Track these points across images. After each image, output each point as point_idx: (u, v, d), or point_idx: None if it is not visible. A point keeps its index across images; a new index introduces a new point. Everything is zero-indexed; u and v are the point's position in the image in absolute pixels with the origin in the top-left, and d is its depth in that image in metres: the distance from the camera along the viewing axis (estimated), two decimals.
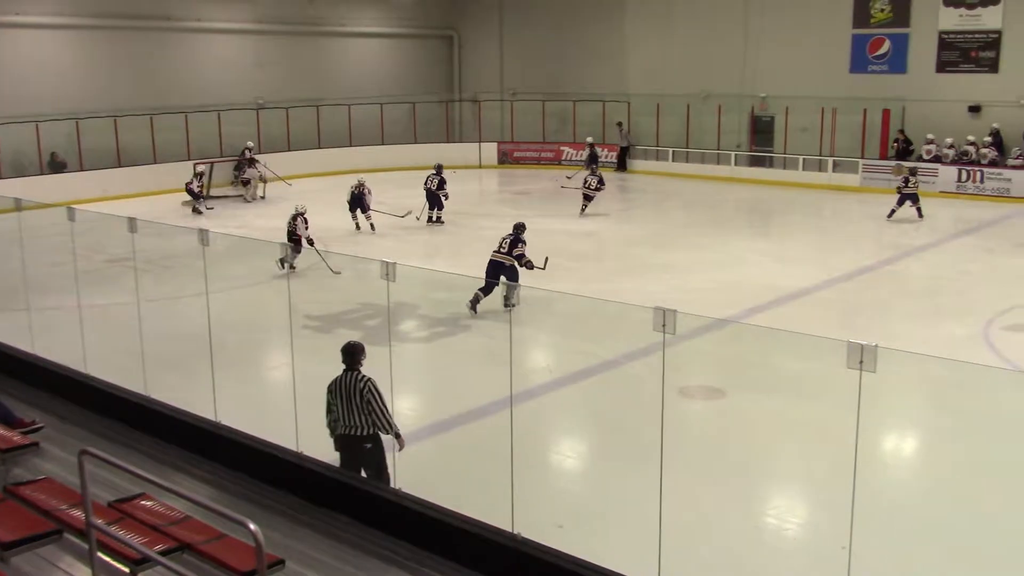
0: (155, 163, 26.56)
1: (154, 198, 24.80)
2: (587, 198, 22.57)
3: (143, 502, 6.01)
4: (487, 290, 13.48)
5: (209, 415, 7.68)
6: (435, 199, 21.69)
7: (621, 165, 30.87)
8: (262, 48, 30.87)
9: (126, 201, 23.38)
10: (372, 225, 20.68)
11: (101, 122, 25.69)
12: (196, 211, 23.36)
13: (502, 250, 14.17)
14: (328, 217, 22.67)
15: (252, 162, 25.52)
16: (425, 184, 21.75)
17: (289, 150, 29.40)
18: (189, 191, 23.87)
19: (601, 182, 22.85)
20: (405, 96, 32.75)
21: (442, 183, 21.74)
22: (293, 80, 30.94)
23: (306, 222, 16.59)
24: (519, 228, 14.61)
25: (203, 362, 8.31)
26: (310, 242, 16.21)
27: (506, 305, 13.44)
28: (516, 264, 14.03)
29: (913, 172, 22.08)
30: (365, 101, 31.70)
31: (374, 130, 31.53)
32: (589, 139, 29.33)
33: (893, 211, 21.39)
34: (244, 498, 6.71)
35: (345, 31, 33.10)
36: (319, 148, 30.26)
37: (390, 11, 33.98)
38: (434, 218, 21.61)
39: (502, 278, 13.65)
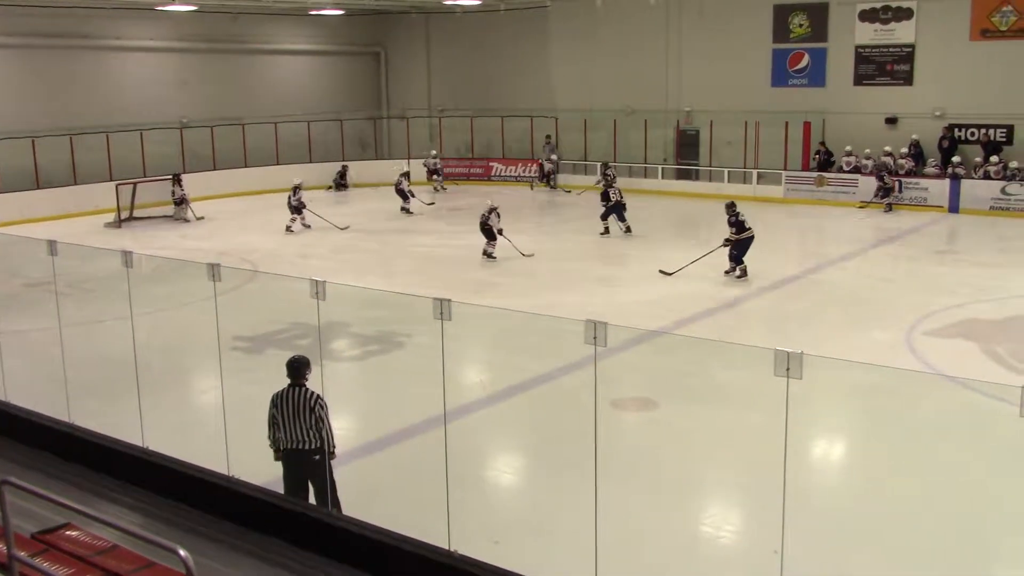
0: (75, 184, 25.98)
1: (75, 220, 24.25)
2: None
3: (68, 532, 5.85)
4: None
5: (136, 441, 7.51)
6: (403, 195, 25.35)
7: (548, 180, 31.16)
8: (185, 66, 30.43)
9: (46, 223, 22.84)
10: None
11: (18, 143, 25.03)
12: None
13: None
14: (254, 236, 22.44)
15: (179, 181, 25.08)
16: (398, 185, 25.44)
17: (215, 169, 29.00)
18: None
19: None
20: (332, 113, 32.55)
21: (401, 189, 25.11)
22: (218, 98, 30.53)
23: (499, 216, 19.19)
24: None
25: (129, 387, 8.12)
26: (500, 232, 19.05)
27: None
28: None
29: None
30: (292, 119, 31.44)
31: (301, 148, 31.27)
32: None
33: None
34: (174, 525, 6.57)
35: (270, 48, 32.81)
36: (245, 167, 29.90)
37: (316, 28, 33.78)
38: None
39: None
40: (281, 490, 7.34)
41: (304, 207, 23.18)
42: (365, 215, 25.69)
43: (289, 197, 23.33)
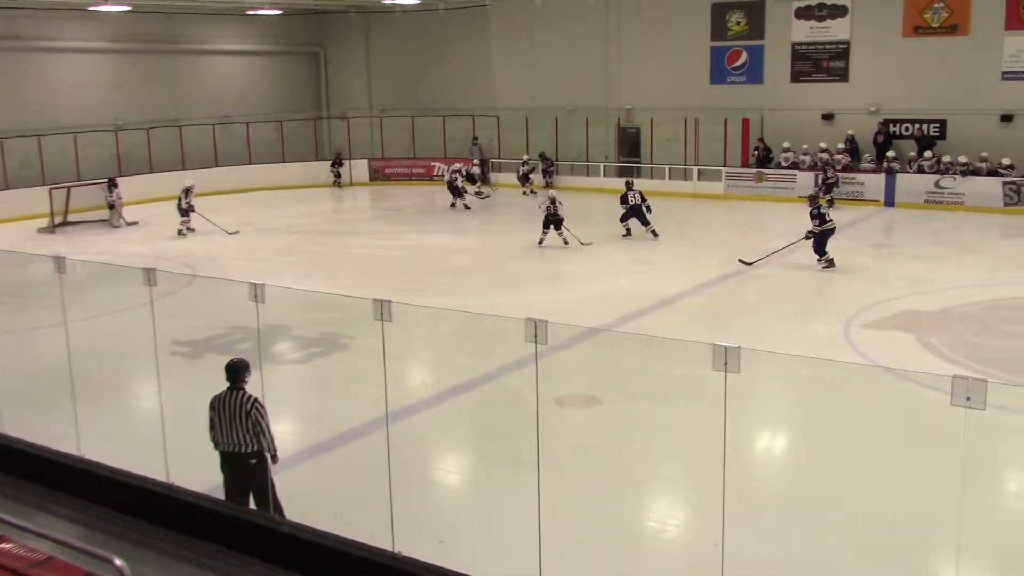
0: (7, 189, 25.40)
1: (7, 225, 23.70)
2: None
3: (2, 545, 5.71)
4: None
5: (72, 450, 7.35)
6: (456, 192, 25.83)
7: (482, 179, 31.24)
8: (120, 67, 29.90)
9: None
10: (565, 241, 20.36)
11: None
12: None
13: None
14: (192, 240, 22.12)
15: (113, 186, 24.61)
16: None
17: (152, 172, 28.53)
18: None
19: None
20: (272, 114, 32.21)
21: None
22: (154, 100, 30.05)
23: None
24: None
25: (64, 395, 7.96)
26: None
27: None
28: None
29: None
30: (230, 120, 31.05)
31: (240, 150, 30.89)
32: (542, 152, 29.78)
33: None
34: (112, 534, 6.45)
35: (207, 49, 32.36)
36: (183, 169, 29.43)
37: (253, 28, 33.40)
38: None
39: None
40: (221, 496, 7.25)
41: (193, 210, 22.91)
42: (306, 216, 25.46)
43: (180, 199, 23.00)
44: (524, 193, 28.26)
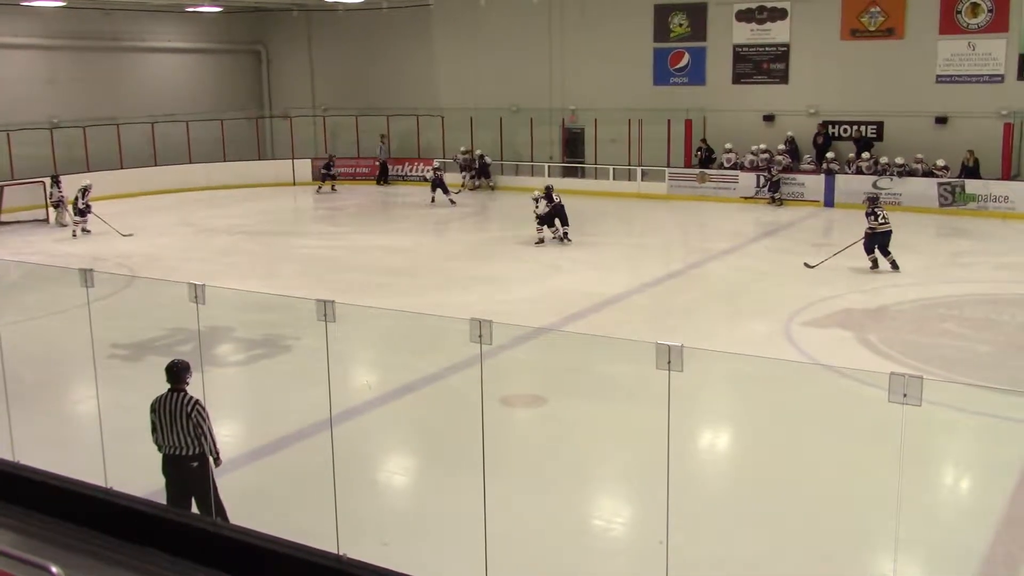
0: None
1: None
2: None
3: None
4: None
5: (6, 455, 7.18)
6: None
7: (383, 178, 31.36)
8: (55, 64, 29.27)
9: None
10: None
11: None
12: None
13: None
14: (131, 240, 21.75)
15: (57, 183, 24.07)
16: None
17: (88, 171, 27.93)
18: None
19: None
20: (212, 113, 31.77)
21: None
22: (91, 97, 29.47)
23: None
24: None
25: None
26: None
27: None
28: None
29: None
30: (170, 119, 30.56)
31: (180, 149, 30.42)
32: (478, 151, 29.60)
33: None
34: (48, 541, 6.30)
35: (145, 46, 31.82)
36: (121, 168, 28.91)
37: (193, 25, 32.92)
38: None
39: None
40: (162, 500, 7.13)
41: (90, 210, 22.53)
42: (247, 216, 25.17)
43: (76, 199, 22.58)
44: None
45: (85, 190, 22.66)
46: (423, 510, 8.67)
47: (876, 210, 17.41)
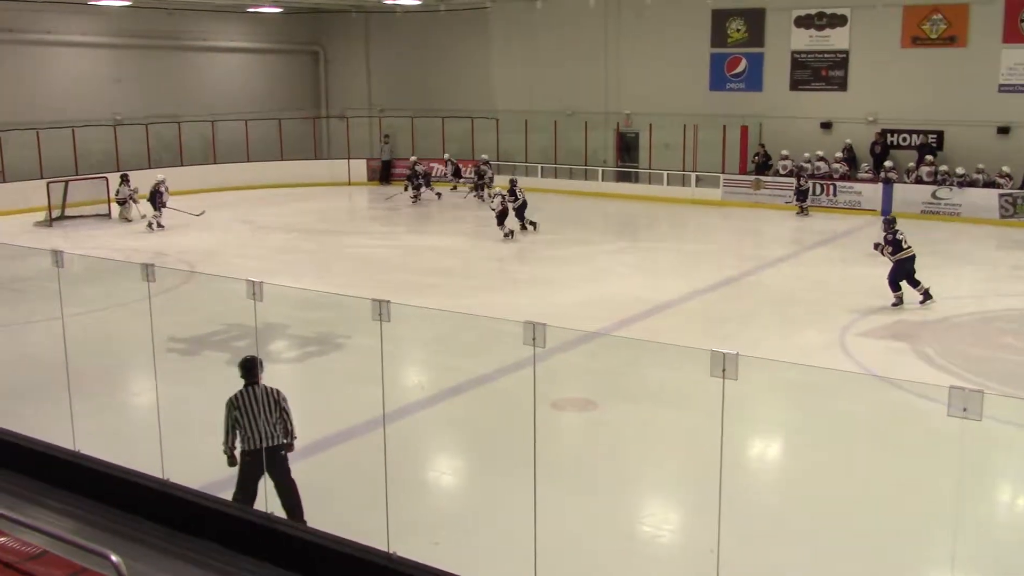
0: (5, 182, 25.36)
1: (4, 218, 23.67)
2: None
3: None
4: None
5: (68, 444, 7.35)
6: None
7: (384, 179, 31.55)
8: (119, 62, 29.86)
9: None
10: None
11: None
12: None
13: None
14: (190, 236, 22.11)
15: (125, 181, 24.55)
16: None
17: (149, 168, 28.47)
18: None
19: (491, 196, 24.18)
20: (271, 112, 32.19)
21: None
22: (153, 96, 30.02)
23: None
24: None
25: (60, 390, 7.95)
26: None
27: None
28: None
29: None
30: (229, 117, 31.02)
31: (239, 147, 30.88)
32: (484, 156, 29.47)
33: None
34: (106, 529, 6.45)
35: (207, 46, 32.32)
36: (181, 166, 29.41)
37: (253, 26, 33.38)
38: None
39: None
40: (216, 493, 7.23)
41: (165, 205, 23.24)
42: (304, 215, 25.45)
43: (156, 194, 23.06)
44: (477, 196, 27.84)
45: (161, 184, 23.14)
46: (472, 511, 8.70)
47: (897, 236, 15.44)
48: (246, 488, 7.27)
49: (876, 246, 15.89)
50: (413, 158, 28.95)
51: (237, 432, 7.32)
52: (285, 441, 7.36)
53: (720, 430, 5.28)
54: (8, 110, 26.27)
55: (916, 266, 15.46)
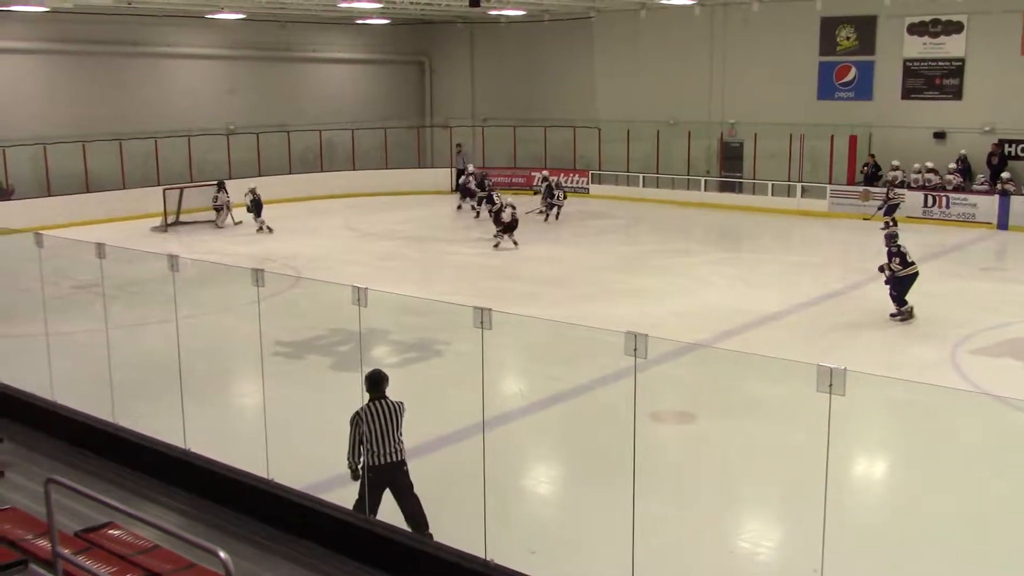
0: (124, 188, 26.39)
1: (123, 223, 24.63)
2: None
3: (111, 531, 5.93)
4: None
5: (178, 442, 7.60)
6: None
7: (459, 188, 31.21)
8: (233, 73, 30.83)
9: (94, 226, 23.20)
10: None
11: (69, 147, 25.52)
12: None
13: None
14: (297, 242, 22.66)
15: (222, 188, 25.38)
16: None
17: (260, 175, 29.28)
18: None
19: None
20: (376, 122, 32.78)
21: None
22: (264, 105, 30.89)
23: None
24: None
25: (172, 389, 8.23)
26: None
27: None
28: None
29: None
30: (336, 127, 31.70)
31: (345, 155, 31.53)
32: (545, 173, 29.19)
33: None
34: (214, 526, 6.64)
35: (316, 57, 33.12)
36: (290, 174, 30.18)
37: (361, 37, 34.06)
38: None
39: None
40: (318, 494, 7.36)
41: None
42: (409, 222, 25.82)
43: (252, 202, 23.85)
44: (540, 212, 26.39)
45: (254, 193, 23.96)
46: (570, 521, 8.69)
47: (902, 249, 14.95)
48: (368, 503, 7.14)
49: (881, 268, 15.28)
50: (470, 167, 28.56)
51: (361, 447, 7.26)
52: (403, 457, 7.32)
53: (826, 447, 5.17)
54: (129, 120, 27.36)
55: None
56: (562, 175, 31.05)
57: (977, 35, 25.53)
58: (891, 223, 23.72)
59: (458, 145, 32.52)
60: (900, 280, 14.96)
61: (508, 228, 21.54)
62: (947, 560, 7.65)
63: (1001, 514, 8.42)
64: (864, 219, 24.74)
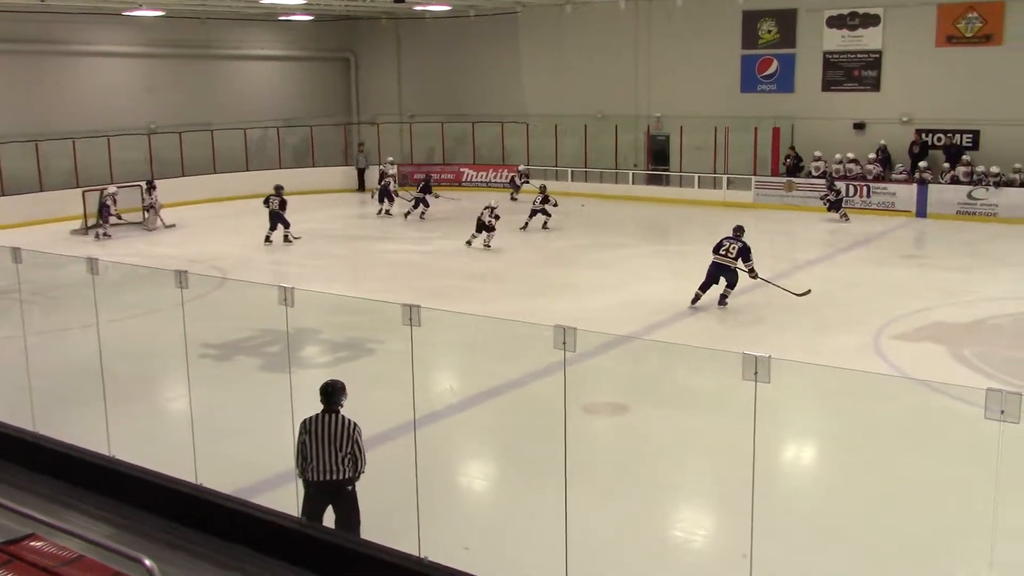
0: (41, 191, 25.70)
1: (41, 227, 23.97)
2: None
3: (32, 543, 5.74)
4: (705, 288, 15.27)
5: (103, 450, 7.42)
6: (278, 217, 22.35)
7: (361, 187, 31.42)
8: (153, 71, 30.20)
9: (10, 231, 22.55)
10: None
11: None
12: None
13: (729, 255, 15.30)
14: (223, 243, 22.30)
15: (152, 188, 24.82)
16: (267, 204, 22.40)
17: (183, 175, 28.77)
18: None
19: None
20: (302, 119, 32.41)
21: (283, 204, 22.37)
22: (186, 104, 30.32)
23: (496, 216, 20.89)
24: (739, 231, 15.81)
25: (95, 395, 8.04)
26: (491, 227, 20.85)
27: (721, 303, 15.33)
28: (741, 270, 15.38)
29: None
30: (261, 124, 31.27)
31: (271, 154, 31.11)
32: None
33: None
34: (141, 534, 6.50)
35: (239, 54, 32.61)
36: (214, 173, 29.68)
37: (285, 34, 33.63)
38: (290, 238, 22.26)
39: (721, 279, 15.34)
40: (248, 498, 7.25)
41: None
42: (334, 221, 25.59)
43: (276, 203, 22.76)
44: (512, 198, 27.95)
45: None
46: (503, 516, 8.69)
47: (725, 240, 15.60)
48: (307, 516, 6.86)
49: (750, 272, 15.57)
50: (392, 169, 28.05)
51: (304, 459, 6.92)
52: (349, 476, 6.89)
53: (753, 434, 5.24)
54: (45, 120, 26.61)
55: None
56: (491, 170, 31.10)
57: (894, 27, 26.17)
58: (843, 216, 24.23)
59: (360, 144, 32.32)
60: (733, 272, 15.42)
61: (482, 228, 20.98)
62: (875, 539, 7.82)
63: (926, 493, 8.64)
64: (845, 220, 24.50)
